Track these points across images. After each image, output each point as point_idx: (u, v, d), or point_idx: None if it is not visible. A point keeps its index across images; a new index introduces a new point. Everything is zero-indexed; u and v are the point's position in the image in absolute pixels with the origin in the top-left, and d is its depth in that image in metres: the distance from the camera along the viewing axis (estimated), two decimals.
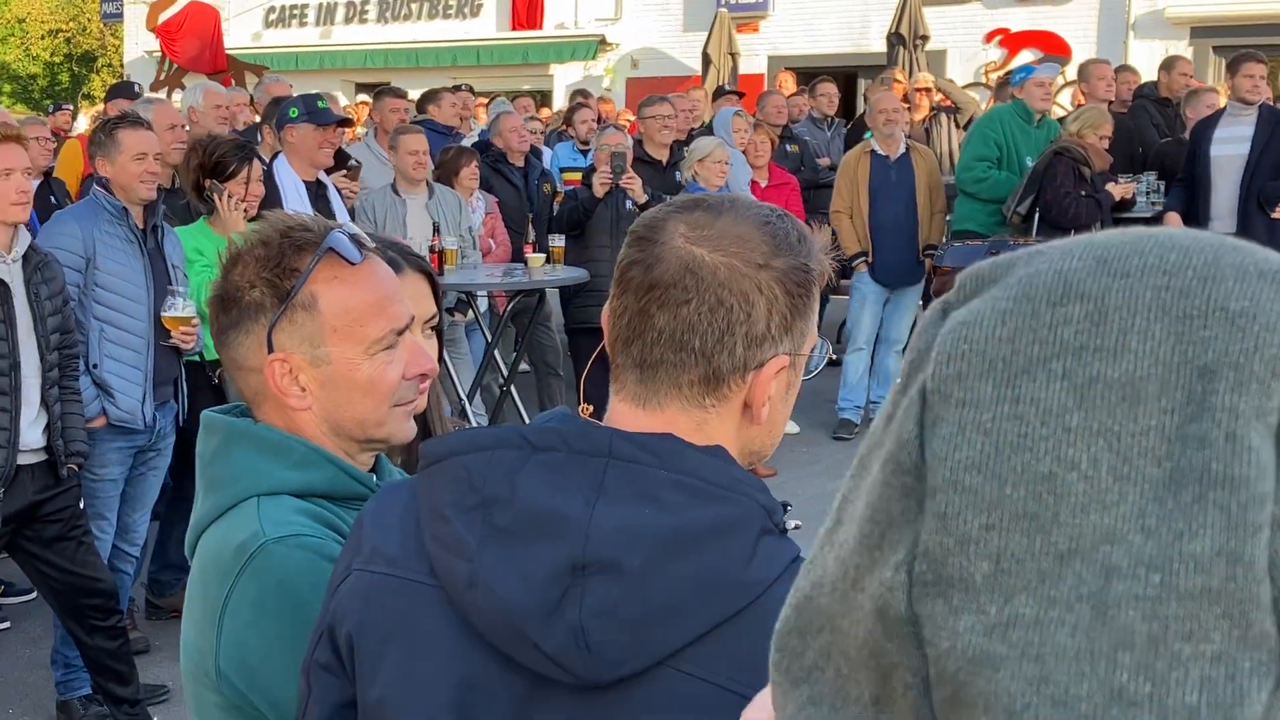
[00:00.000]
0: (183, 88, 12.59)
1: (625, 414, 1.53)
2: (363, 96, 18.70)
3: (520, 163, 9.00)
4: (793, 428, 9.48)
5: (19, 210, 4.46)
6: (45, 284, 4.56)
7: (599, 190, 7.61)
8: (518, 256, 8.31)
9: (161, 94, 12.87)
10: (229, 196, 5.46)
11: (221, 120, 7.73)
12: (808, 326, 1.55)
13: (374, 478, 1.98)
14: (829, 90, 11.63)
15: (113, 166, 5.11)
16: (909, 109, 11.28)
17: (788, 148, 10.84)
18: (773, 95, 11.48)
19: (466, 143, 9.69)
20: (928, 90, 12.71)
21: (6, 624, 6.01)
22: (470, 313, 7.82)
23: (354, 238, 1.93)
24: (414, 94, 17.34)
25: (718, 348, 1.48)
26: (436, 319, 2.55)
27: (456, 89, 11.94)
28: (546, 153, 11.13)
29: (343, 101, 19.92)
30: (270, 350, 1.86)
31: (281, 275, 1.86)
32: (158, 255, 5.21)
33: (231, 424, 1.90)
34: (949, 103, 12.31)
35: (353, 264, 1.88)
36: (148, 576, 6.04)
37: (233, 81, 12.13)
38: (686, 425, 1.49)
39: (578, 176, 9.55)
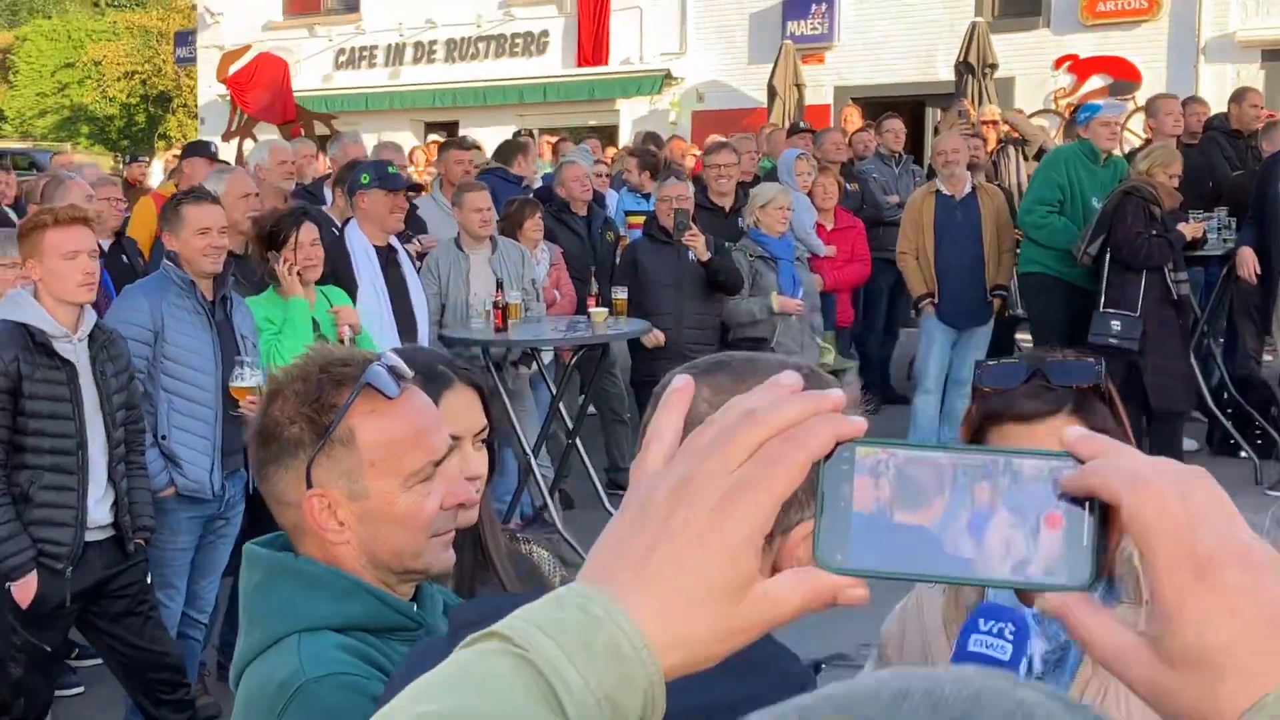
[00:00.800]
0: (254, 138, 12.77)
1: None
2: (433, 136, 18.89)
3: (584, 211, 9.03)
4: None
5: (85, 292, 4.54)
6: (111, 361, 4.64)
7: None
8: (583, 306, 8.33)
9: (233, 144, 13.07)
10: (283, 263, 5.54)
11: (288, 175, 7.84)
12: None
13: (414, 606, 2.00)
14: (895, 126, 11.57)
15: (178, 241, 5.20)
16: (978, 140, 11.21)
17: (848, 186, 10.81)
18: (831, 132, 11.46)
19: (533, 183, 9.73)
20: (994, 123, 12.64)
21: (80, 689, 6.09)
22: (535, 365, 7.85)
23: (393, 369, 1.95)
24: (482, 132, 17.55)
25: None
26: (487, 431, 2.57)
27: (518, 135, 12.00)
28: (611, 195, 11.16)
29: (412, 142, 20.17)
30: (309, 486, 1.89)
31: (320, 411, 1.89)
32: (226, 326, 5.29)
33: (273, 558, 1.93)
34: (1016, 134, 12.23)
35: (390, 398, 1.90)
36: (220, 639, 6.09)
37: (302, 131, 12.29)
38: None
39: (641, 219, 9.59)
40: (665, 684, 0.91)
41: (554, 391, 7.85)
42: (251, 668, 1.88)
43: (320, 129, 12.59)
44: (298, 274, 5.62)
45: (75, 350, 4.53)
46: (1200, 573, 0.77)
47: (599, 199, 10.27)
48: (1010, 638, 1.85)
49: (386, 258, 6.33)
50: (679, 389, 0.92)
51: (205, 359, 5.18)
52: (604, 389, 8.82)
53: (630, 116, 22.21)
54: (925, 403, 9.34)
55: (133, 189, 12.98)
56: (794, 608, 0.83)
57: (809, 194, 9.50)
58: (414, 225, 8.35)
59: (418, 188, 6.51)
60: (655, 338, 7.82)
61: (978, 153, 10.67)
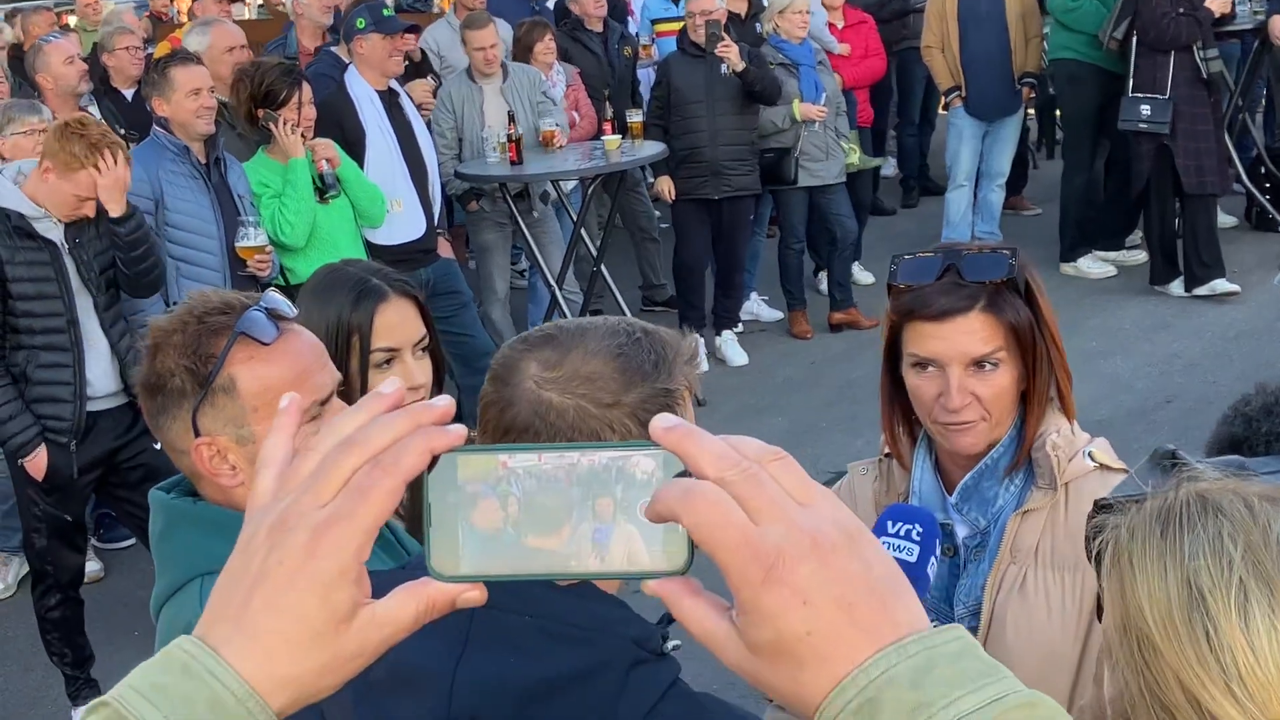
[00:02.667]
0: None
1: None
2: None
3: (599, 28, 8.88)
4: (868, 278, 9.32)
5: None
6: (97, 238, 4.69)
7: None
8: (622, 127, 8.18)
9: None
10: (284, 123, 5.51)
11: (325, 9, 7.63)
12: None
13: None
14: None
15: (169, 105, 5.20)
16: None
17: None
18: None
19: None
20: None
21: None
22: (555, 194, 7.84)
23: (272, 312, 1.98)
24: None
25: None
26: (427, 340, 2.61)
27: None
28: (637, 2, 10.93)
29: None
30: (197, 434, 1.94)
31: (200, 361, 1.93)
32: (223, 188, 5.32)
33: (171, 505, 1.99)
34: None
35: (266, 344, 1.94)
36: None
37: None
38: None
39: (671, 27, 9.41)
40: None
41: (574, 219, 7.83)
42: (164, 611, 1.95)
43: None
44: (300, 134, 5.60)
45: (55, 229, 4.59)
46: (769, 571, 0.78)
47: (620, 11, 10.08)
48: (917, 539, 1.89)
49: (389, 101, 6.30)
50: (286, 410, 0.91)
51: (207, 222, 5.23)
52: (631, 208, 8.79)
53: None
54: (957, 196, 9.25)
55: (161, 24, 12.80)
56: (408, 623, 0.86)
57: None
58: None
59: (415, 29, 6.42)
60: (664, 189, 7.75)
61: None
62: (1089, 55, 8.61)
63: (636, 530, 0.83)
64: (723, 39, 7.45)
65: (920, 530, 1.89)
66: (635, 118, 7.63)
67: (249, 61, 6.13)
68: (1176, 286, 8.46)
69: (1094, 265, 8.95)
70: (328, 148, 5.72)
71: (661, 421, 0.82)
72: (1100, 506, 1.27)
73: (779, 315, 8.76)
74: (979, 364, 2.14)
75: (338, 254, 5.68)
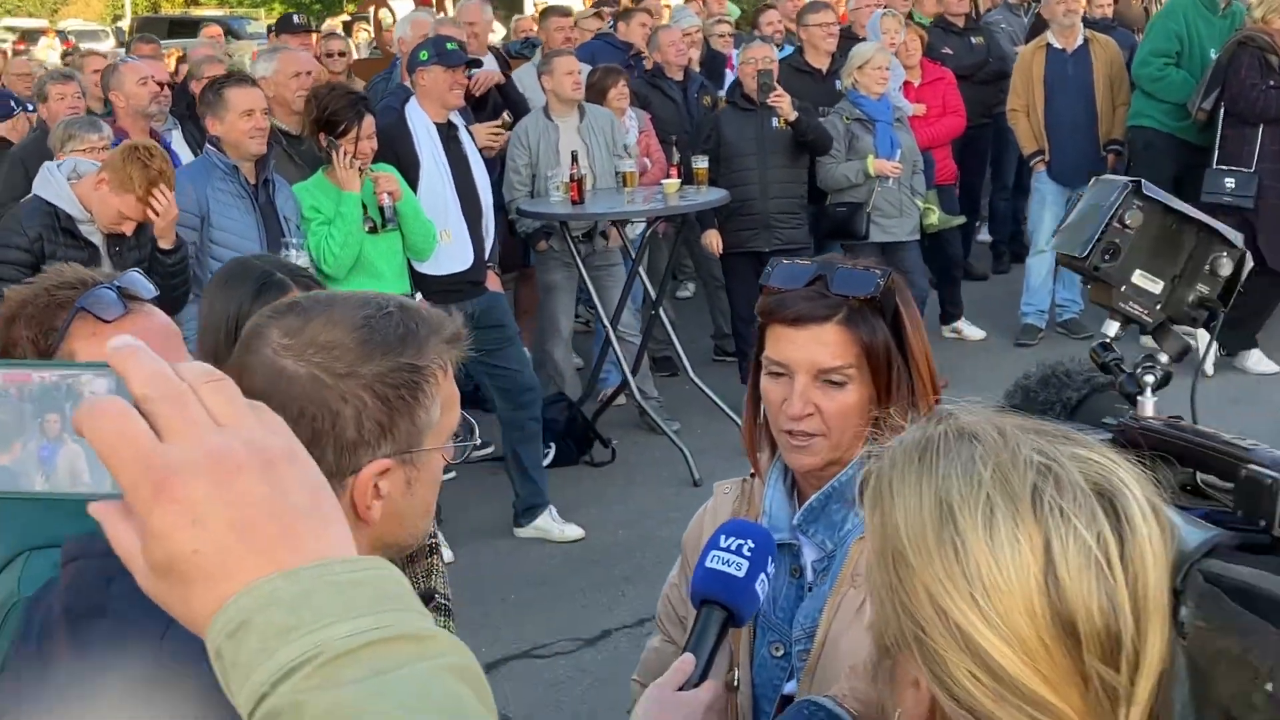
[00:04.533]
0: (390, 8, 12.88)
1: None
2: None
3: (679, 76, 8.95)
4: (977, 334, 9.30)
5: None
6: (137, 248, 4.85)
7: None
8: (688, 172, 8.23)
9: (369, 11, 13.18)
10: (344, 154, 5.62)
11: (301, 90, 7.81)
12: (419, 423, 1.57)
13: None
14: None
15: (222, 125, 5.36)
16: None
17: (972, 40, 10.45)
18: None
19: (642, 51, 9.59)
20: None
21: None
22: (617, 237, 7.88)
23: (124, 291, 2.01)
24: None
25: None
26: None
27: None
28: (736, 54, 10.95)
29: (577, 5, 19.99)
30: None
31: (43, 334, 1.97)
32: (270, 208, 5.45)
33: None
34: None
35: (107, 321, 1.96)
36: None
37: (433, 3, 12.34)
38: None
39: None
40: None
41: (634, 259, 7.86)
42: None
43: None
44: (358, 168, 5.70)
45: (97, 234, 4.75)
46: (160, 487, 0.78)
47: (717, 67, 10.11)
48: (748, 555, 1.86)
49: (447, 134, 6.40)
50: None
51: (251, 241, 5.35)
52: (704, 256, 8.81)
53: None
54: (1038, 262, 9.13)
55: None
56: None
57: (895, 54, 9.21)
58: (511, 96, 8.40)
59: (477, 63, 6.53)
60: (712, 242, 7.77)
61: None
62: (1167, 125, 8.49)
63: (81, 450, 0.83)
64: (775, 88, 7.46)
65: (752, 546, 1.87)
66: (700, 164, 7.65)
67: (325, 84, 6.29)
68: (1254, 360, 8.26)
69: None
70: (391, 181, 5.84)
71: (113, 341, 0.82)
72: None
73: None
74: (828, 379, 2.12)
75: (380, 283, 5.79)
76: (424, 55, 6.29)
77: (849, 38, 9.26)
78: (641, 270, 7.82)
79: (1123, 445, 1.38)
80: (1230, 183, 7.96)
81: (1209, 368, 8.14)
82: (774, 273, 2.19)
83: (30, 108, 7.94)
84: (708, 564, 1.88)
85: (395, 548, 1.62)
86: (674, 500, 6.96)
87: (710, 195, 7.53)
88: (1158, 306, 1.52)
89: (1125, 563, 1.13)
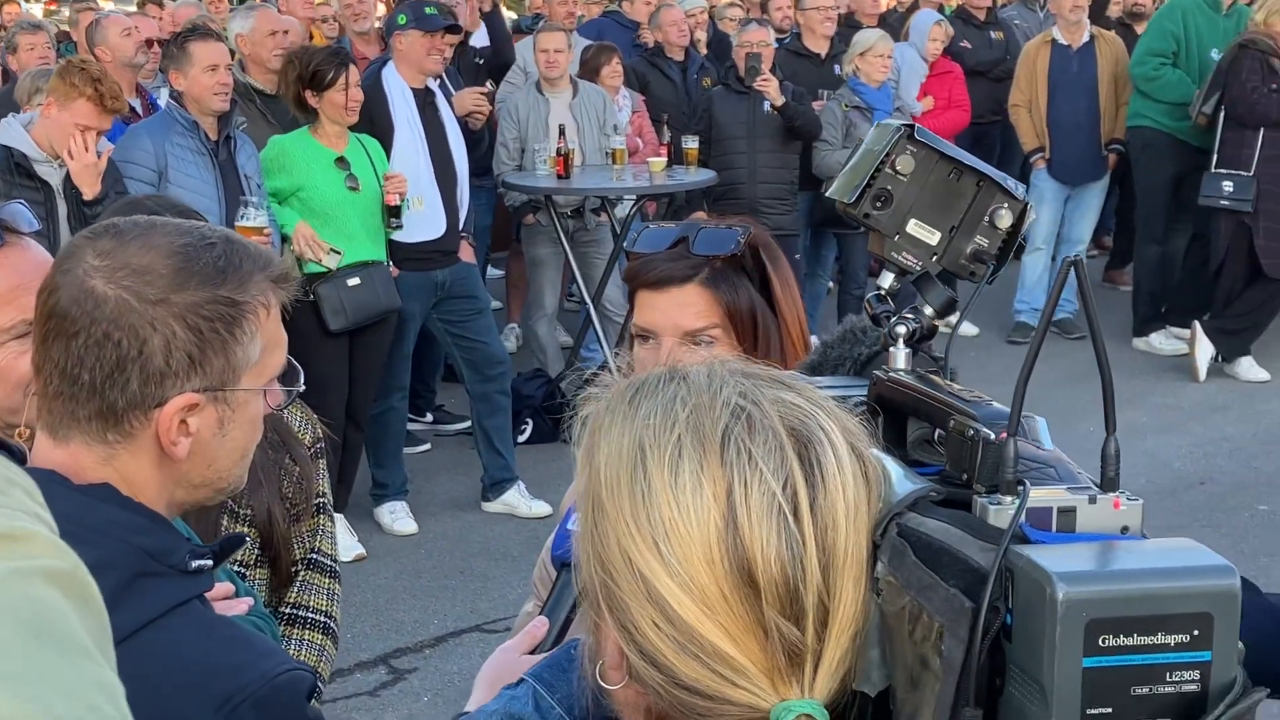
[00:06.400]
0: None
1: (42, 445, 1.53)
2: None
3: (680, 57, 8.87)
4: (971, 330, 9.19)
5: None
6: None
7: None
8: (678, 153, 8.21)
9: None
10: (305, 244, 5.67)
11: (356, 16, 7.81)
12: (235, 360, 1.52)
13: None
14: None
15: (185, 79, 5.31)
16: None
17: (992, 35, 10.34)
18: None
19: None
20: None
21: None
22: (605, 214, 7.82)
23: (4, 223, 1.96)
24: None
25: (108, 383, 1.46)
26: None
27: None
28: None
29: None
30: None
31: None
32: (230, 166, 5.40)
33: None
34: None
35: None
36: None
37: None
38: (91, 459, 1.49)
39: None
40: None
41: (620, 236, 7.78)
42: None
43: None
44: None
45: (53, 173, 4.71)
46: None
47: (723, 50, 10.02)
48: None
49: (424, 101, 6.33)
50: None
51: (209, 199, 5.30)
52: None
53: None
54: (1033, 260, 9.04)
55: None
56: None
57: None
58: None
59: (456, 29, 6.46)
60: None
61: None
62: (1167, 125, 8.37)
63: None
64: (761, 72, 7.38)
65: None
66: (691, 144, 7.57)
67: (299, 46, 6.24)
68: (1245, 368, 8.14)
69: (1165, 342, 8.65)
70: (401, 183, 5.89)
71: None
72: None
73: None
74: (694, 340, 2.08)
75: (353, 244, 5.77)
76: (402, 19, 6.24)
77: (851, 25, 9.17)
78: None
79: (877, 399, 1.34)
80: (1229, 186, 7.84)
81: (1202, 374, 8.04)
82: (639, 238, 2.17)
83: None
84: (569, 525, 1.83)
85: (206, 489, 1.57)
86: None
87: (697, 176, 7.45)
88: (933, 258, 1.44)
89: (815, 513, 1.07)
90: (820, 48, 8.47)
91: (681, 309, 2.08)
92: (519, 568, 6.08)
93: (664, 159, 7.46)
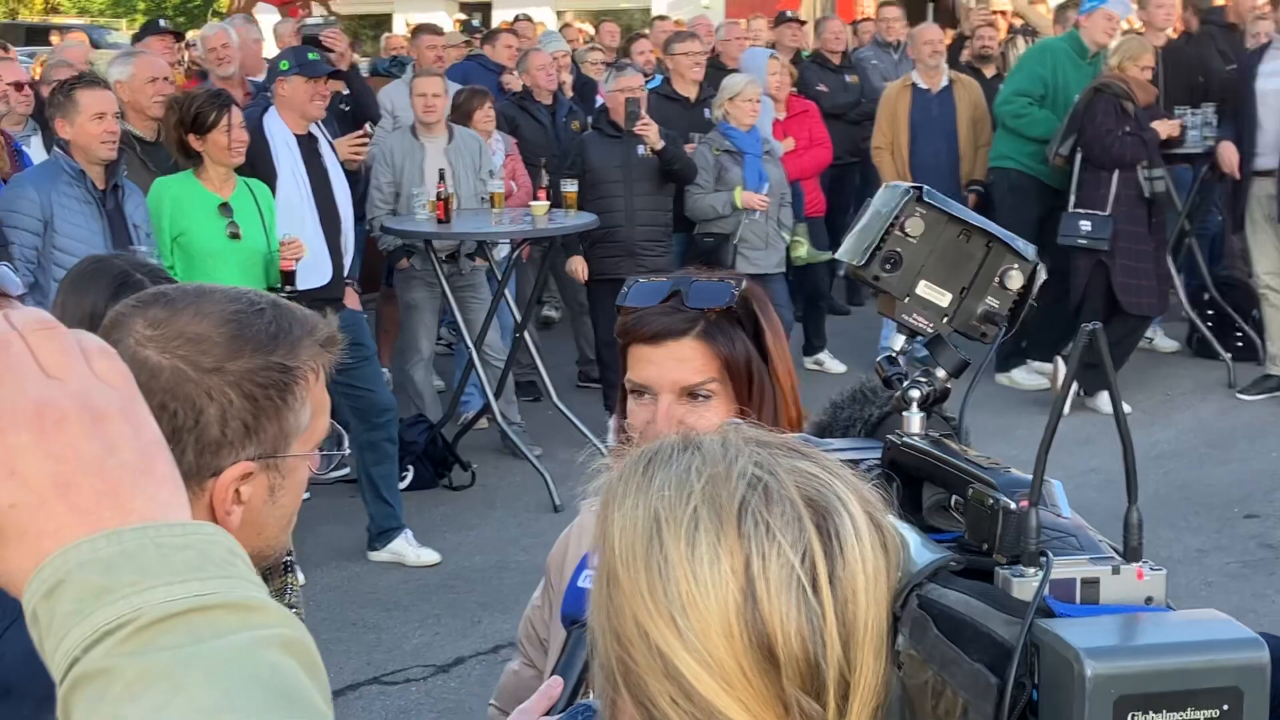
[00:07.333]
0: (253, 17, 12.67)
1: None
2: (458, 16, 18.65)
3: (548, 100, 8.91)
4: (839, 367, 9.37)
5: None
6: None
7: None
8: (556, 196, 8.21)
9: (237, 20, 12.96)
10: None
11: (219, 61, 7.76)
12: (288, 427, 1.51)
13: None
14: (892, 14, 11.29)
15: (72, 128, 5.17)
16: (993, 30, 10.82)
17: (847, 78, 10.57)
18: (832, 21, 11.22)
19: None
20: (1004, 12, 12.34)
21: None
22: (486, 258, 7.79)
23: None
24: (508, 14, 17.29)
25: None
26: None
27: (517, 20, 11.82)
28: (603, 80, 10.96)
29: (447, 25, 19.93)
30: None
31: None
32: (118, 215, 5.27)
33: None
34: (1025, 24, 11.93)
35: None
36: None
37: (299, 11, 12.18)
38: None
39: None
40: None
41: (498, 281, 7.78)
42: None
43: (319, 9, 12.45)
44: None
45: None
46: None
47: (588, 93, 10.10)
48: None
49: (308, 146, 6.27)
50: None
51: (96, 249, 5.13)
52: (568, 282, 8.75)
53: None
54: None
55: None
56: None
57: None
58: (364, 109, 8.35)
59: (339, 74, 6.42)
60: (577, 269, 7.74)
61: (990, 42, 10.40)
62: (1031, 167, 8.64)
63: None
64: (641, 116, 7.45)
65: None
66: (570, 188, 7.60)
67: (179, 91, 6.13)
68: (1106, 401, 8.41)
69: (1027, 377, 8.90)
70: (299, 249, 5.83)
71: None
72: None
73: None
74: (692, 395, 2.08)
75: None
76: (284, 65, 6.18)
77: (719, 68, 9.30)
78: (508, 293, 7.74)
79: (890, 463, 1.34)
80: (1086, 225, 8.12)
81: (1066, 407, 8.28)
82: (630, 292, 2.16)
83: None
84: (580, 583, 1.82)
85: (253, 559, 1.53)
86: (534, 526, 6.87)
87: (579, 219, 7.47)
88: (944, 319, 1.45)
89: (835, 585, 1.05)
90: (689, 92, 8.58)
91: (679, 364, 2.07)
92: (411, 618, 6.02)
93: (546, 203, 7.47)
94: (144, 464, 0.79)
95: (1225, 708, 0.96)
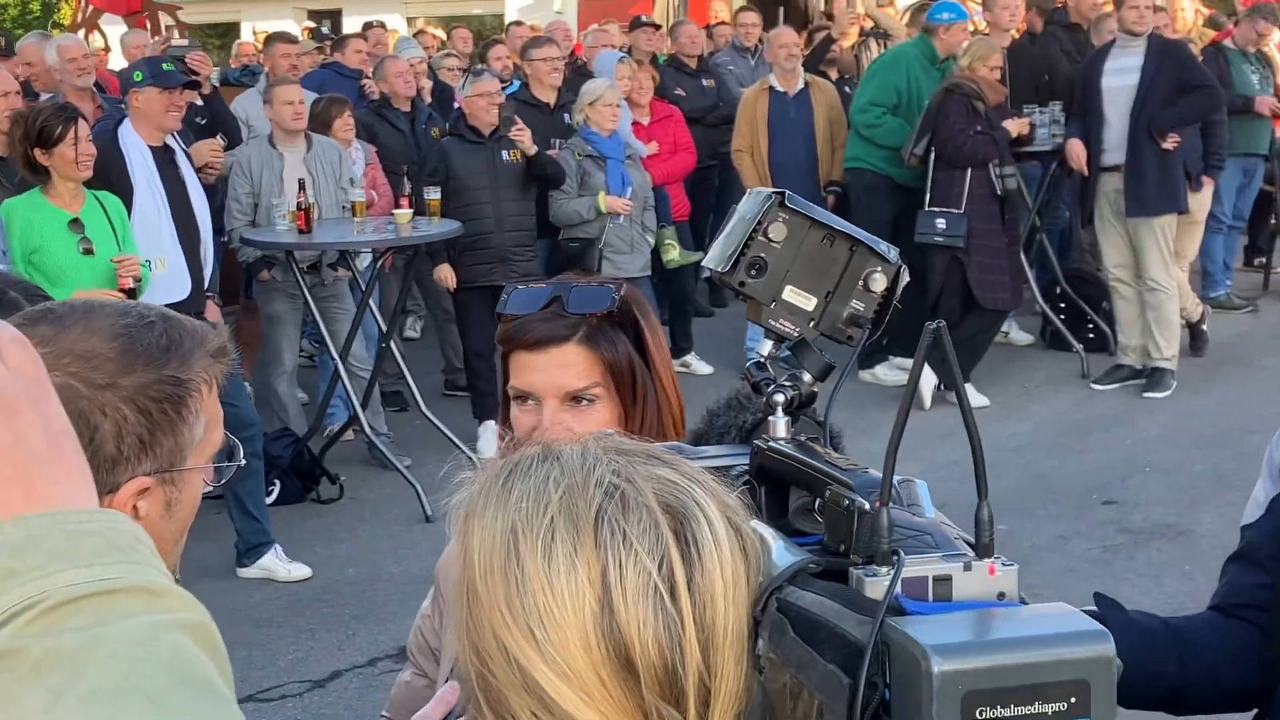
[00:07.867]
0: (101, 31, 12.39)
1: None
2: (308, 23, 18.42)
3: (407, 108, 8.86)
4: (705, 369, 9.45)
5: None
6: None
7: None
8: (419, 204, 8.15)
9: (79, 35, 12.67)
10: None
11: (81, 72, 7.60)
12: (183, 440, 1.49)
13: None
14: (749, 19, 11.42)
15: None
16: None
17: (704, 82, 10.65)
18: (686, 25, 11.30)
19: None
20: (857, 15, 12.50)
21: None
22: (349, 268, 7.71)
23: None
24: (358, 21, 17.12)
25: None
26: None
27: (369, 26, 11.74)
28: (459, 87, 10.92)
29: (296, 33, 19.65)
30: None
31: None
32: None
33: None
34: (876, 27, 12.10)
35: None
36: None
37: (148, 24, 11.93)
38: None
39: None
40: None
41: (362, 291, 7.71)
42: None
43: (166, 20, 12.20)
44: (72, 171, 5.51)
45: None
46: None
47: (445, 100, 10.05)
48: None
49: (163, 158, 6.15)
50: None
51: None
52: (433, 290, 8.70)
53: (516, 5, 21.81)
54: None
55: None
56: None
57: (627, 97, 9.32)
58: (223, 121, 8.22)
59: (195, 85, 6.31)
60: (446, 277, 7.72)
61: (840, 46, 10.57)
62: (885, 169, 8.80)
63: None
64: (516, 122, 7.45)
65: None
66: (433, 195, 7.56)
67: (25, 106, 5.98)
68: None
69: (889, 373, 9.06)
70: (134, 267, 5.69)
71: None
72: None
73: None
74: (576, 399, 2.09)
75: None
76: (138, 76, 6.06)
77: (582, 74, 9.32)
78: (372, 304, 7.66)
79: (758, 469, 1.34)
80: (941, 223, 8.29)
81: (927, 401, 8.45)
82: (509, 299, 2.14)
83: None
84: None
85: None
86: (405, 537, 6.83)
87: (443, 227, 7.43)
88: (811, 324, 1.45)
89: (693, 591, 1.05)
90: (548, 97, 8.59)
91: (562, 369, 2.08)
92: (285, 634, 5.94)
93: (409, 211, 7.41)
94: (53, 453, 0.81)
95: (1073, 700, 0.98)
